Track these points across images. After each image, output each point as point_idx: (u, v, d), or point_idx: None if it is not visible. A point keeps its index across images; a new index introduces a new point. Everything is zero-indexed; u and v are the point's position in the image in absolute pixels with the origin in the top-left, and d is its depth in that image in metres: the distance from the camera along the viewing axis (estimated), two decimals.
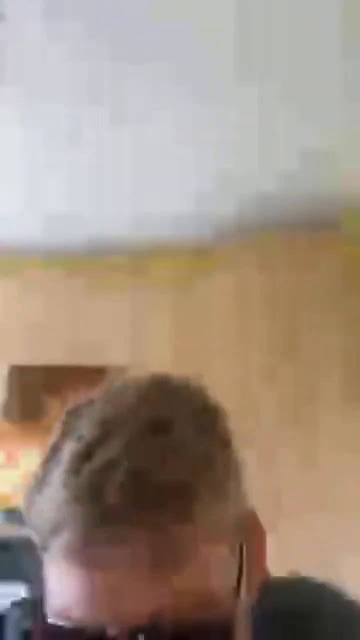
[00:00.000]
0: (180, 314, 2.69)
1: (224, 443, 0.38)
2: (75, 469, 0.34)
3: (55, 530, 0.34)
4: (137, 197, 2.58)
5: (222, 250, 2.68)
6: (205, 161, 2.32)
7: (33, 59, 1.79)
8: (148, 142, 2.20)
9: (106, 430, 0.35)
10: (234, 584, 0.36)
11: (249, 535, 0.39)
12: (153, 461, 0.33)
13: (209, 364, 2.50)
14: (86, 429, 0.36)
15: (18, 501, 0.45)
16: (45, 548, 0.36)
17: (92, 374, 2.86)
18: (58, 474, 0.35)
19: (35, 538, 0.37)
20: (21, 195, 2.57)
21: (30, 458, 2.68)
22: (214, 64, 1.81)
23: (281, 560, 0.59)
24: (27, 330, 2.76)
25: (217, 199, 2.50)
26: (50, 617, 0.35)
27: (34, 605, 0.38)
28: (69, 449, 0.36)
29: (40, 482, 0.37)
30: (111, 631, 0.32)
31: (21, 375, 2.79)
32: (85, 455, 0.34)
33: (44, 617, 0.35)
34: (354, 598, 0.49)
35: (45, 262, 2.92)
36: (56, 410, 2.91)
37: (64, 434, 0.38)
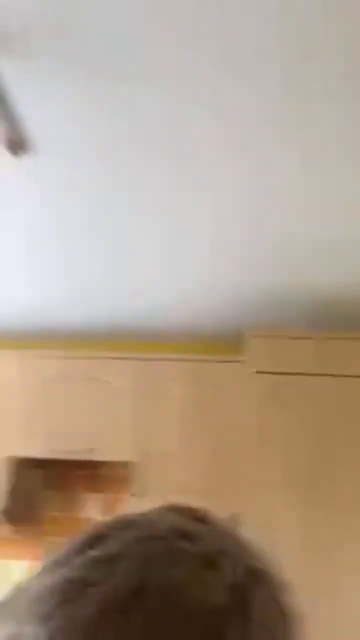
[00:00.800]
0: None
1: (278, 587, 0.31)
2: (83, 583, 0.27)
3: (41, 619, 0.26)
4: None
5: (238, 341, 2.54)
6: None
7: None
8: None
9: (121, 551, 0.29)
10: None
11: None
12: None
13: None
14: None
15: None
16: None
17: (91, 469, 2.65)
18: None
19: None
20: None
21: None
22: None
23: None
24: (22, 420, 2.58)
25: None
26: None
27: None
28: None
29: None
30: None
31: (16, 469, 2.56)
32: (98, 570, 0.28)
33: None
34: None
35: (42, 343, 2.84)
36: (56, 508, 2.66)
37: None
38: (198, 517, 0.33)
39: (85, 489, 2.70)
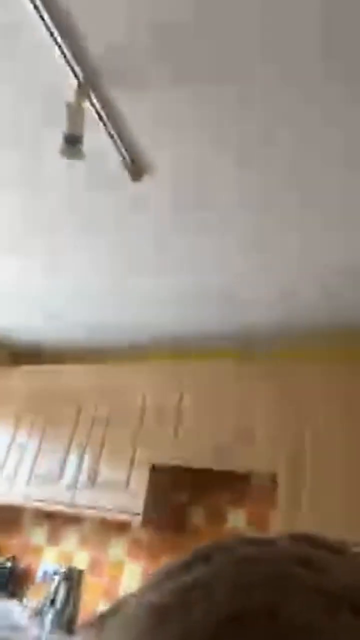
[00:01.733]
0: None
1: None
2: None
3: None
4: None
5: None
6: None
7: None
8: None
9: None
10: None
11: None
12: None
13: None
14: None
15: None
16: None
17: (236, 481, 2.63)
18: None
19: None
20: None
21: None
22: None
23: None
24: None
25: None
26: None
27: None
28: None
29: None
30: None
31: (161, 477, 2.66)
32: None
33: None
34: None
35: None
36: (200, 519, 2.69)
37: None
38: (325, 544, 0.26)
39: (230, 500, 2.68)
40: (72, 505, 2.66)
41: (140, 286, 2.67)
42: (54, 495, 2.73)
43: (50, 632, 2.36)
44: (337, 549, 0.25)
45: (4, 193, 2.08)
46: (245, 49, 1.33)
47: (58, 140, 1.49)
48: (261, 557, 0.24)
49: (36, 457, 2.91)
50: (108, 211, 2.08)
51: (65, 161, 1.73)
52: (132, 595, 0.27)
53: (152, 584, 0.26)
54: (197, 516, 2.70)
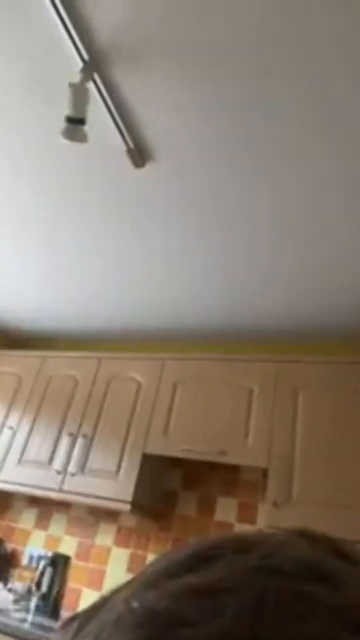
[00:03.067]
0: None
1: None
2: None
3: None
4: None
5: None
6: None
7: None
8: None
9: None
10: None
11: None
12: None
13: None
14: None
15: None
16: None
17: (226, 472, 2.64)
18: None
19: None
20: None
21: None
22: None
23: None
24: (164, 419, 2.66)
25: None
26: None
27: None
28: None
29: None
30: None
31: (152, 466, 2.66)
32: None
33: None
34: None
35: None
36: (189, 506, 2.69)
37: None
38: (339, 551, 0.24)
39: (220, 492, 2.68)
40: (61, 491, 2.65)
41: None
42: (43, 481, 2.72)
43: (35, 615, 2.37)
44: (346, 553, 0.24)
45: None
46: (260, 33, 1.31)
47: (58, 138, 1.46)
48: (278, 568, 0.22)
49: (27, 441, 2.90)
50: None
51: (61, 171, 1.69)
52: (116, 593, 0.24)
53: (144, 583, 0.23)
54: (187, 506, 2.71)
